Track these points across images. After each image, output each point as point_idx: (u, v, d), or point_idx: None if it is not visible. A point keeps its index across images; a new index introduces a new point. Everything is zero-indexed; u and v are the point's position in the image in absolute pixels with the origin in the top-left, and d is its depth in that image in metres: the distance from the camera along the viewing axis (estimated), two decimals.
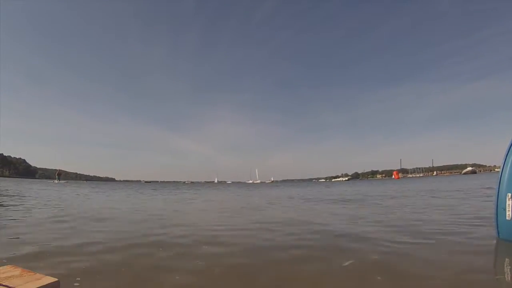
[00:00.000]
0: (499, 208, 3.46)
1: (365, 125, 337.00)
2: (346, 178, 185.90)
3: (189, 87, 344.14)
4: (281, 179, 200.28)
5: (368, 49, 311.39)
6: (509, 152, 3.46)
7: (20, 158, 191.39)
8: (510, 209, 3.35)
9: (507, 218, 3.36)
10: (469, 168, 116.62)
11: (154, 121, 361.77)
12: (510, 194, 3.36)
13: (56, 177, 63.90)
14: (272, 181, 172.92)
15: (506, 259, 3.18)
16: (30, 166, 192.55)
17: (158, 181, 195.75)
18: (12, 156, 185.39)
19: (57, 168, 73.37)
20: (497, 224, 3.58)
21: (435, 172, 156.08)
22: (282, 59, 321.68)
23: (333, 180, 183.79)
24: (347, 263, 3.23)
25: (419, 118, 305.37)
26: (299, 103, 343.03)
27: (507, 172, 3.42)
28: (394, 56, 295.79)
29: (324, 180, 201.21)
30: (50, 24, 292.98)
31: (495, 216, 3.54)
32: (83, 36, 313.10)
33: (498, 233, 3.57)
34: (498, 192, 3.46)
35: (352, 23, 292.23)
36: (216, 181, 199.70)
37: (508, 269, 2.89)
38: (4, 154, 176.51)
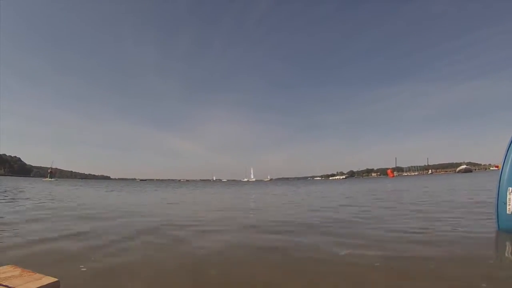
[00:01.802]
0: (500, 202, 3.48)
1: (361, 124, 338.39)
2: (344, 177, 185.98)
3: (184, 87, 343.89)
4: (276, 178, 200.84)
5: (365, 49, 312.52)
6: (510, 147, 3.47)
7: (15, 157, 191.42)
8: (511, 203, 3.37)
9: (507, 212, 3.39)
10: (463, 166, 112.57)
11: (150, 121, 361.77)
12: (510, 189, 3.38)
13: (49, 175, 64.43)
14: (271, 180, 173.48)
15: (506, 252, 3.21)
16: (25, 164, 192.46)
17: (153, 180, 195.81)
18: (7, 154, 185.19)
19: (50, 167, 73.58)
20: (498, 218, 3.61)
21: (430, 171, 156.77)
22: (277, 59, 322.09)
23: (330, 178, 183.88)
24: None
25: (415, 117, 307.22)
26: (295, 103, 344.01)
27: (508, 166, 3.44)
28: (390, 56, 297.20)
29: (320, 178, 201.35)
30: (45, 25, 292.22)
31: (496, 210, 3.57)
32: (77, 37, 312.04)
33: (499, 226, 3.60)
34: (499, 186, 3.48)
35: (348, 23, 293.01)
36: (214, 178, 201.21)
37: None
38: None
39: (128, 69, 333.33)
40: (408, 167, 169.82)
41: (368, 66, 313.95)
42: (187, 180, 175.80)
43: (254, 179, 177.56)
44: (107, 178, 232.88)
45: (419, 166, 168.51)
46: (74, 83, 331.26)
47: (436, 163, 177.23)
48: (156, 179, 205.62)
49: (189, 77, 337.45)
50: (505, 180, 3.46)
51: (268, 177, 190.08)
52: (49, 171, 66.73)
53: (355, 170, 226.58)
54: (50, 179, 59.46)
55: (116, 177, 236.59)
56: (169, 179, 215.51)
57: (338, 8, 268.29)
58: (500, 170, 3.53)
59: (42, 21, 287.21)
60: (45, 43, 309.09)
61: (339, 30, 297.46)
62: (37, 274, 1.95)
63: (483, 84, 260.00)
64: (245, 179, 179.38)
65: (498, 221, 3.58)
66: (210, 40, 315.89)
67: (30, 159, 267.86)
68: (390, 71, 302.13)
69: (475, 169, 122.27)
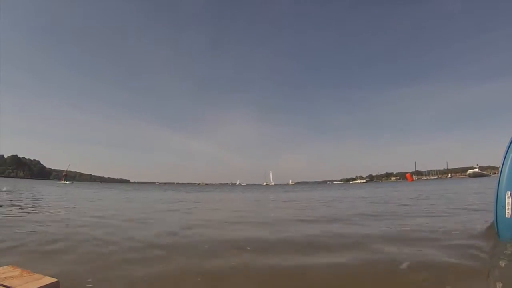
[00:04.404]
0: (498, 205, 3.43)
1: (379, 126, 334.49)
2: (364, 180, 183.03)
3: (201, 87, 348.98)
4: (295, 182, 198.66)
5: (380, 49, 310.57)
6: (509, 150, 3.43)
7: (35, 160, 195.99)
8: (510, 207, 3.32)
9: (506, 216, 3.33)
10: (471, 171, 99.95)
11: (167, 122, 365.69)
12: (509, 192, 3.32)
13: (64, 178, 66.22)
14: (294, 183, 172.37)
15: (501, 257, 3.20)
16: (44, 167, 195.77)
17: (174, 183, 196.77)
18: (27, 157, 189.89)
19: (65, 170, 75.63)
20: (496, 222, 3.55)
21: (450, 174, 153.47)
22: (292, 59, 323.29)
23: (351, 182, 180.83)
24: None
25: (433, 119, 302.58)
26: (312, 104, 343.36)
27: (506, 170, 3.40)
28: (406, 56, 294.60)
29: (340, 182, 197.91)
30: (56, 24, 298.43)
31: (495, 213, 3.51)
32: (91, 36, 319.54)
33: (498, 230, 3.55)
34: (498, 190, 3.43)
35: (363, 24, 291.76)
36: (238, 183, 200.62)
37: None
38: (19, 156, 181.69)
39: (142, 69, 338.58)
40: (427, 171, 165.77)
41: (384, 66, 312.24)
42: (206, 184, 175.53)
43: (273, 183, 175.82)
44: (126, 181, 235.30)
45: (439, 170, 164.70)
46: (91, 84, 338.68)
47: (456, 166, 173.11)
48: (176, 183, 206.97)
49: (205, 77, 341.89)
50: (504, 184, 3.41)
51: (290, 181, 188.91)
52: (64, 174, 68.32)
53: (374, 174, 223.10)
54: (65, 182, 60.32)
55: (136, 181, 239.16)
56: (188, 183, 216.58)
57: (351, 8, 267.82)
58: (499, 173, 3.49)
59: (54, 20, 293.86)
60: (56, 42, 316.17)
61: (353, 30, 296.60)
62: (37, 274, 1.98)
63: (503, 83, 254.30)
64: (264, 183, 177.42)
65: (497, 225, 3.53)
66: (223, 39, 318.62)
67: (49, 163, 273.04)
68: (406, 72, 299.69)
69: (494, 173, 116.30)
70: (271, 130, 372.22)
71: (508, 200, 3.31)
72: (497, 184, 3.45)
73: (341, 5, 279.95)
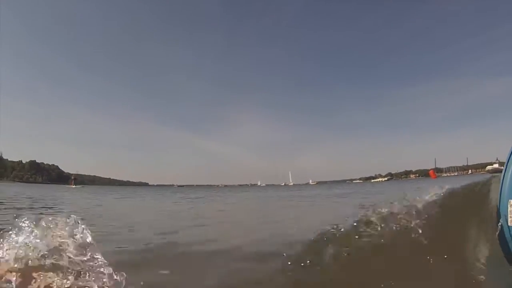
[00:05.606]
0: (502, 214, 3.32)
1: (396, 124, 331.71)
2: (386, 179, 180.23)
3: (217, 88, 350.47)
4: (316, 181, 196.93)
5: (398, 46, 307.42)
6: (511, 158, 3.33)
7: (53, 165, 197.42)
8: None
9: (509, 224, 3.24)
10: (490, 167, 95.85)
11: (189, 124, 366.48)
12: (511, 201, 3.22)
13: (73, 182, 66.92)
14: (316, 183, 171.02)
15: None
16: (63, 172, 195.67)
17: (193, 185, 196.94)
18: (45, 162, 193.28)
19: (74, 173, 77.17)
20: (498, 225, 3.46)
21: (470, 171, 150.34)
22: (308, 58, 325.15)
23: (372, 181, 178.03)
24: None
25: (452, 115, 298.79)
26: (328, 103, 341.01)
27: (508, 178, 3.28)
28: (423, 53, 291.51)
29: (359, 181, 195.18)
30: (71, 25, 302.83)
31: (496, 222, 3.42)
32: (106, 37, 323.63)
33: (499, 237, 3.45)
34: (500, 198, 3.33)
35: (375, 22, 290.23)
36: (258, 183, 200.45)
37: None
38: (37, 161, 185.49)
39: (159, 70, 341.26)
40: (447, 167, 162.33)
41: (401, 63, 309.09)
42: (225, 186, 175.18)
43: (292, 183, 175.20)
44: (145, 184, 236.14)
45: (459, 166, 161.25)
46: (111, 88, 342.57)
47: (477, 162, 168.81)
48: (196, 185, 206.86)
49: (221, 78, 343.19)
50: (506, 192, 3.30)
51: (311, 181, 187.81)
52: (72, 178, 69.25)
53: (393, 172, 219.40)
54: (74, 186, 59.88)
55: (155, 184, 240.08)
56: (207, 185, 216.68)
57: (364, 4, 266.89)
58: (501, 180, 3.37)
59: (67, 20, 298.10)
60: (77, 45, 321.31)
61: (368, 27, 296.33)
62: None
63: None
64: (283, 184, 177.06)
65: (498, 234, 3.43)
66: (240, 39, 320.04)
67: (69, 167, 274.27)
68: (424, 68, 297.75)
69: None
70: (289, 130, 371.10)
71: (510, 209, 3.21)
72: (500, 193, 3.34)
73: (355, 5, 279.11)
